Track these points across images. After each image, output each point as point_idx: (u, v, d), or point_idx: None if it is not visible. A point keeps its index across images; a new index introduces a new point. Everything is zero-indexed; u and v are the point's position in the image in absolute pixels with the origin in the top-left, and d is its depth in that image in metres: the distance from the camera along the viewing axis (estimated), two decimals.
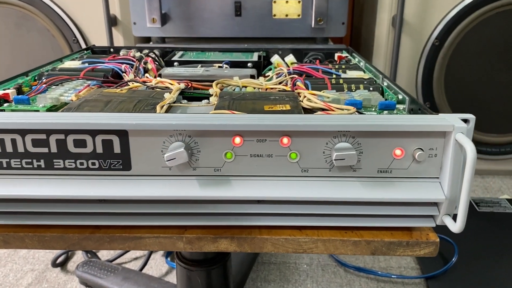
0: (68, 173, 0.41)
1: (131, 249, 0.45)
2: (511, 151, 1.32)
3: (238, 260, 0.90)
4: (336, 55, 0.78)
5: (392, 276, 0.95)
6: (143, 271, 0.94)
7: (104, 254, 1.00)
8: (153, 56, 0.69)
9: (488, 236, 1.06)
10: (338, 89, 0.54)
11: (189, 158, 0.39)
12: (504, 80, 1.25)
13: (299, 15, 1.16)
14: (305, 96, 0.48)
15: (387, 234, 0.43)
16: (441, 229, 0.44)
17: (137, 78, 0.60)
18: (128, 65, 0.64)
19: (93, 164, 0.41)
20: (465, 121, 0.40)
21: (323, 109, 0.45)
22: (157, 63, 0.70)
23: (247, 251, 0.44)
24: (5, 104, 0.49)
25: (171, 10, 1.17)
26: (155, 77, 0.60)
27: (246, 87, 0.57)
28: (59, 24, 1.25)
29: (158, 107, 0.44)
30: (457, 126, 0.38)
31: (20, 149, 0.40)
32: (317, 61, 0.77)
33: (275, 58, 0.79)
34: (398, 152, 0.40)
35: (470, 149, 0.36)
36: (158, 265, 0.96)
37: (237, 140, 0.40)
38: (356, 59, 0.75)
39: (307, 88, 0.53)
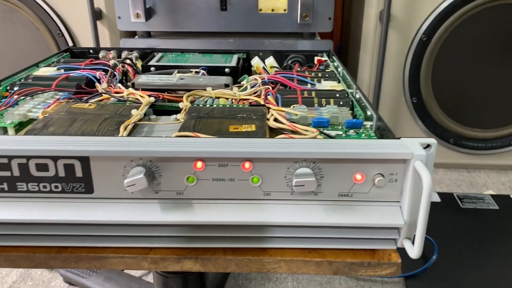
0: (32, 196, 0.41)
1: (97, 268, 0.45)
2: (497, 146, 1.32)
3: None
4: (316, 58, 0.77)
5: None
6: (125, 270, 0.95)
7: None
8: (129, 62, 0.68)
9: (470, 233, 1.07)
10: (308, 103, 0.53)
11: (150, 183, 0.40)
12: (491, 75, 1.24)
13: (285, 10, 1.15)
14: (272, 115, 0.48)
15: (350, 254, 0.44)
16: None
17: (110, 87, 0.59)
18: (103, 72, 0.64)
19: (56, 187, 0.41)
20: (428, 145, 0.40)
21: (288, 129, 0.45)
22: (132, 63, 0.69)
23: (212, 271, 0.45)
24: None
25: (156, 4, 1.15)
26: (131, 86, 0.60)
27: (219, 98, 0.57)
28: (44, 17, 1.24)
29: (121, 128, 0.44)
30: (416, 154, 0.38)
31: None
32: (297, 64, 0.77)
33: (255, 61, 0.79)
34: (358, 177, 0.40)
35: (426, 179, 0.36)
36: None
37: (199, 164, 0.40)
38: (335, 64, 0.74)
39: (277, 103, 0.53)
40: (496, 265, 0.97)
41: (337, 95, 0.57)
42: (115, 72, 0.64)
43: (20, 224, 0.42)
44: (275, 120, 0.47)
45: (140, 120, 0.48)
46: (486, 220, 1.12)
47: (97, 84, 0.60)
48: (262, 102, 0.54)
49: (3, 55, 1.30)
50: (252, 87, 0.60)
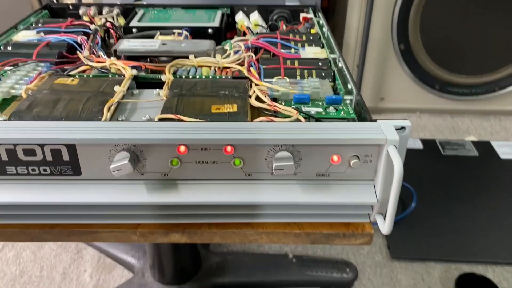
0: (21, 179, 0.43)
1: (88, 241, 0.48)
2: (482, 92, 1.34)
3: None
4: (302, 15, 0.76)
5: None
6: None
7: None
8: (110, 26, 0.67)
9: (450, 181, 1.11)
10: (290, 75, 0.54)
11: (135, 167, 0.41)
12: (479, 22, 1.23)
13: None
14: (254, 91, 0.49)
15: (326, 226, 0.47)
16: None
17: (92, 55, 0.59)
18: (85, 37, 0.63)
19: (45, 170, 0.42)
20: (403, 127, 0.42)
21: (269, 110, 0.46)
22: (115, 30, 0.68)
23: (197, 242, 0.48)
24: None
25: None
26: (113, 53, 0.59)
27: (202, 66, 0.57)
28: None
29: (105, 109, 0.45)
30: (390, 139, 0.40)
31: None
32: (282, 23, 0.76)
33: (240, 17, 0.77)
34: (335, 158, 0.42)
35: (397, 165, 0.38)
36: None
37: (182, 149, 0.41)
38: (321, 22, 0.73)
39: (260, 76, 0.53)
40: (474, 212, 1.02)
41: (320, 64, 0.57)
42: (97, 36, 0.63)
43: (12, 205, 0.44)
44: (257, 98, 0.48)
45: (123, 96, 0.49)
46: (465, 167, 1.16)
47: (78, 52, 0.59)
48: (245, 72, 0.55)
49: None
50: (235, 53, 0.60)
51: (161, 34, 0.67)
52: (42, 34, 0.66)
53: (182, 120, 0.44)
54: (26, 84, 0.51)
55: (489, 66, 1.30)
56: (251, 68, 0.54)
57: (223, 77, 0.54)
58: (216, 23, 0.71)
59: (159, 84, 0.53)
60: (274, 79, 0.53)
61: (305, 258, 0.83)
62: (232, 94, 0.49)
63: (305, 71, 0.54)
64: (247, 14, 0.79)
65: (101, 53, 0.59)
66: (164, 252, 0.75)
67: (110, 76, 0.54)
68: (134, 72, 0.53)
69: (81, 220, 0.45)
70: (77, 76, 0.53)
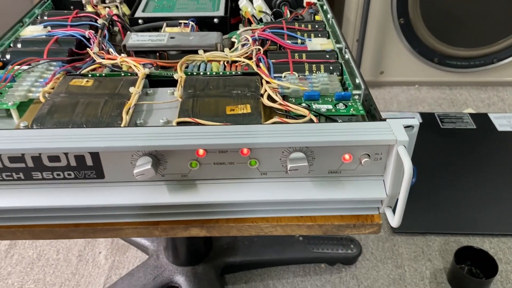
0: (47, 183, 0.45)
1: (112, 237, 0.50)
2: (480, 64, 1.35)
3: None
4: (305, 0, 0.76)
5: None
6: None
7: None
8: (116, 18, 0.67)
9: (448, 154, 1.14)
10: (299, 69, 0.55)
11: (157, 170, 0.43)
12: None
13: None
14: (265, 90, 0.50)
15: (337, 218, 0.49)
16: None
17: (102, 52, 0.60)
18: (92, 32, 0.64)
19: (69, 174, 0.44)
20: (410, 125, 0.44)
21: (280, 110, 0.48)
22: (121, 20, 0.68)
23: (215, 235, 0.51)
24: None
25: None
26: (123, 48, 0.60)
27: (211, 61, 0.59)
28: None
29: (124, 113, 0.46)
30: (400, 140, 0.42)
31: None
32: (286, 9, 0.76)
33: (243, 3, 0.77)
34: (347, 157, 0.44)
35: (407, 166, 0.40)
36: None
37: (201, 152, 0.43)
38: (325, 7, 0.74)
39: (270, 71, 0.54)
40: (472, 185, 1.05)
41: (327, 56, 0.58)
42: (105, 30, 0.64)
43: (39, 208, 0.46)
44: (269, 97, 0.49)
45: (138, 97, 0.50)
46: (464, 140, 1.19)
47: (88, 49, 0.60)
48: (254, 66, 0.56)
49: None
50: (243, 45, 0.61)
51: (167, 25, 0.68)
52: (49, 28, 0.66)
53: (199, 124, 0.45)
54: (42, 87, 0.52)
55: (488, 38, 1.30)
56: (261, 64, 0.55)
57: (233, 72, 0.56)
58: (221, 11, 0.71)
59: (171, 81, 0.55)
60: (283, 75, 0.54)
61: (311, 237, 0.86)
62: (244, 93, 0.50)
63: (313, 65, 0.55)
64: (251, 0, 0.79)
65: (111, 50, 0.59)
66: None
67: (122, 74, 0.55)
68: (147, 70, 0.54)
69: (105, 219, 0.48)
70: (90, 75, 0.54)
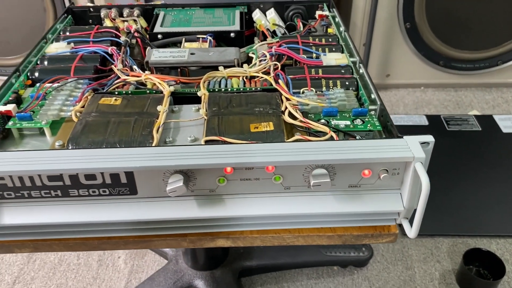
0: (83, 199, 0.47)
1: (142, 248, 0.53)
2: (485, 66, 1.37)
3: None
4: (317, 13, 0.79)
5: None
6: None
7: None
8: (138, 35, 0.70)
9: (454, 156, 1.17)
10: (316, 85, 0.58)
11: (187, 187, 0.46)
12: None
13: None
14: (286, 107, 0.53)
15: (356, 228, 0.52)
16: None
17: (126, 69, 0.62)
18: (115, 48, 0.66)
19: (104, 191, 0.47)
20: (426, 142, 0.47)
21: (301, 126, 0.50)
22: (140, 35, 0.71)
23: (240, 246, 0.53)
24: (10, 123, 0.53)
25: None
26: (145, 64, 0.63)
27: (231, 77, 0.61)
28: None
29: (154, 132, 0.49)
30: (417, 157, 0.44)
31: (38, 183, 0.46)
32: (298, 20, 0.78)
33: (257, 16, 0.80)
34: (366, 172, 0.47)
35: (425, 182, 0.43)
36: None
37: (228, 169, 0.46)
38: (336, 20, 0.76)
39: (288, 87, 0.57)
40: (478, 187, 1.08)
41: (342, 71, 0.60)
42: (127, 48, 0.66)
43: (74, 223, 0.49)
44: (290, 114, 0.52)
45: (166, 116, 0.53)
46: (469, 142, 1.21)
47: (113, 66, 0.62)
48: (273, 82, 0.58)
49: None
50: (260, 60, 0.64)
51: (186, 40, 0.70)
52: (72, 44, 0.68)
53: (226, 142, 0.48)
54: (73, 105, 0.54)
55: (492, 41, 1.32)
56: (280, 81, 0.58)
57: (253, 88, 0.58)
58: (236, 25, 0.74)
59: (194, 98, 0.57)
60: (301, 91, 0.57)
61: None
62: (266, 110, 0.53)
63: (330, 81, 0.58)
64: (263, 11, 0.81)
65: (134, 67, 0.62)
66: None
67: (148, 92, 0.57)
68: (172, 88, 0.57)
69: (137, 232, 0.50)
70: (116, 93, 0.57)
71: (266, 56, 0.64)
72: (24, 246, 0.51)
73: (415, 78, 1.40)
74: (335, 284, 0.87)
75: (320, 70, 0.60)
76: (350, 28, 1.30)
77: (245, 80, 0.61)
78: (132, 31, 0.72)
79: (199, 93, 0.56)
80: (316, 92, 0.57)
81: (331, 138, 0.49)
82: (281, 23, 0.79)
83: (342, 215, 0.49)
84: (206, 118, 0.52)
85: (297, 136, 0.49)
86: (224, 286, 0.78)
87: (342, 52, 0.66)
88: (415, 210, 0.47)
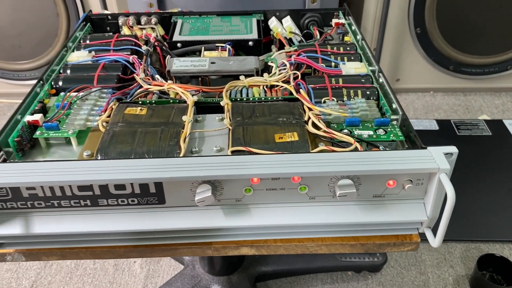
0: (111, 209, 0.48)
1: (169, 256, 0.54)
2: (494, 71, 1.38)
3: None
4: (334, 21, 0.80)
5: None
6: None
7: None
8: (157, 44, 0.70)
9: (465, 161, 1.17)
10: (337, 94, 0.58)
11: (215, 196, 0.47)
12: (493, 3, 1.25)
13: None
14: (309, 117, 0.53)
15: (378, 237, 0.53)
16: None
17: (148, 78, 0.63)
18: (136, 57, 0.67)
19: (133, 201, 0.48)
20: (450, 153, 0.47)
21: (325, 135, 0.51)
22: (160, 43, 0.72)
23: (264, 254, 0.54)
24: (37, 132, 0.53)
25: None
26: (167, 73, 0.64)
27: (252, 86, 0.62)
28: None
29: (181, 143, 0.50)
30: (442, 168, 0.45)
31: (68, 193, 0.47)
32: (315, 28, 0.79)
33: (273, 24, 0.81)
34: (391, 182, 0.47)
35: (450, 193, 0.43)
36: None
37: (255, 180, 0.46)
38: (353, 28, 0.77)
39: (310, 96, 0.58)
40: (490, 192, 1.08)
41: (362, 80, 0.61)
42: (148, 57, 0.67)
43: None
44: (313, 124, 0.53)
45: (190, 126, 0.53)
46: (480, 146, 1.22)
47: (135, 75, 0.63)
48: (293, 91, 0.59)
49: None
50: (279, 69, 0.64)
51: (205, 49, 0.71)
52: (93, 53, 0.69)
53: (252, 152, 0.49)
54: (98, 115, 0.55)
55: (502, 46, 1.33)
56: (301, 90, 0.58)
57: (275, 98, 0.59)
58: (254, 34, 0.75)
59: (216, 107, 0.58)
60: (322, 100, 0.58)
61: None
62: (290, 120, 0.53)
63: (351, 91, 0.59)
64: (279, 19, 0.82)
65: (157, 76, 0.63)
66: None
67: (171, 101, 0.58)
68: (195, 98, 0.58)
69: (163, 241, 0.51)
70: (140, 102, 0.58)
71: (285, 65, 0.64)
72: (52, 254, 0.52)
73: (424, 82, 1.41)
74: None
75: (340, 80, 0.61)
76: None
77: (265, 89, 0.62)
78: (151, 40, 0.73)
79: (221, 103, 0.57)
80: (337, 101, 0.58)
81: (356, 149, 0.49)
82: (297, 31, 0.80)
83: (366, 224, 0.50)
84: (230, 128, 0.53)
85: (321, 147, 0.50)
86: None
87: (361, 61, 0.67)
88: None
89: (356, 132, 0.53)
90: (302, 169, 0.45)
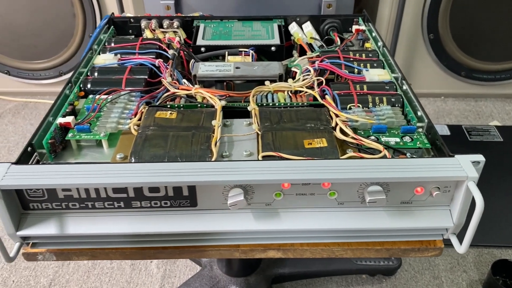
0: (144, 211, 0.49)
1: (197, 257, 0.55)
2: (506, 78, 1.38)
3: None
4: (354, 28, 0.80)
5: None
6: None
7: None
8: (181, 48, 0.71)
9: None
10: (363, 101, 0.59)
11: (246, 200, 0.48)
12: (506, 10, 1.26)
13: None
14: (336, 123, 0.54)
15: (403, 242, 0.53)
16: None
17: (175, 82, 0.64)
18: (161, 61, 0.68)
19: (166, 203, 0.49)
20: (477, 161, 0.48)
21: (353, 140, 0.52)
22: (185, 47, 0.73)
23: (290, 257, 0.55)
24: (69, 134, 0.54)
25: None
26: (193, 78, 0.65)
27: (277, 91, 0.63)
28: None
29: (212, 147, 0.51)
30: (470, 176, 0.46)
31: (103, 195, 0.48)
32: (335, 34, 0.80)
33: (294, 29, 0.82)
34: (419, 189, 0.48)
35: (479, 201, 0.44)
36: None
37: (286, 185, 0.47)
38: (373, 34, 0.78)
39: (336, 102, 0.59)
40: (503, 197, 1.09)
41: (387, 87, 0.62)
42: (174, 67, 0.68)
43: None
44: (341, 130, 0.54)
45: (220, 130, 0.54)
46: (492, 152, 1.22)
47: (162, 79, 0.64)
48: (318, 97, 0.60)
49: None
50: (303, 75, 0.65)
51: (229, 54, 0.72)
52: (119, 56, 0.70)
53: (282, 157, 0.49)
54: (129, 118, 0.56)
55: None
56: (327, 96, 0.59)
57: (300, 103, 0.60)
58: (276, 39, 0.76)
59: (241, 111, 0.59)
60: (348, 107, 0.59)
61: None
62: (318, 126, 0.54)
63: (376, 98, 0.60)
64: (299, 24, 0.83)
65: (184, 80, 0.64)
66: None
67: (199, 106, 0.59)
68: (223, 103, 0.58)
69: (192, 243, 0.52)
70: (169, 106, 0.59)
71: (309, 71, 0.65)
72: (82, 254, 0.53)
73: (436, 87, 1.42)
74: None
75: (365, 86, 0.62)
76: None
77: (290, 94, 0.63)
78: (175, 43, 0.74)
79: (249, 108, 0.58)
80: (363, 108, 0.59)
81: (385, 156, 0.50)
82: (317, 36, 0.81)
83: (392, 230, 0.51)
84: (259, 133, 0.54)
85: (350, 153, 0.51)
86: None
87: (383, 67, 0.68)
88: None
89: (383, 139, 0.54)
90: (333, 175, 0.46)
